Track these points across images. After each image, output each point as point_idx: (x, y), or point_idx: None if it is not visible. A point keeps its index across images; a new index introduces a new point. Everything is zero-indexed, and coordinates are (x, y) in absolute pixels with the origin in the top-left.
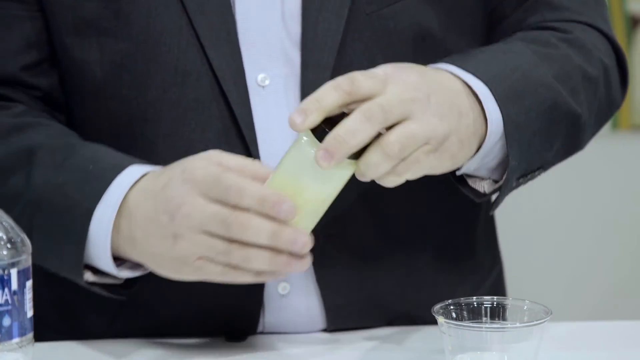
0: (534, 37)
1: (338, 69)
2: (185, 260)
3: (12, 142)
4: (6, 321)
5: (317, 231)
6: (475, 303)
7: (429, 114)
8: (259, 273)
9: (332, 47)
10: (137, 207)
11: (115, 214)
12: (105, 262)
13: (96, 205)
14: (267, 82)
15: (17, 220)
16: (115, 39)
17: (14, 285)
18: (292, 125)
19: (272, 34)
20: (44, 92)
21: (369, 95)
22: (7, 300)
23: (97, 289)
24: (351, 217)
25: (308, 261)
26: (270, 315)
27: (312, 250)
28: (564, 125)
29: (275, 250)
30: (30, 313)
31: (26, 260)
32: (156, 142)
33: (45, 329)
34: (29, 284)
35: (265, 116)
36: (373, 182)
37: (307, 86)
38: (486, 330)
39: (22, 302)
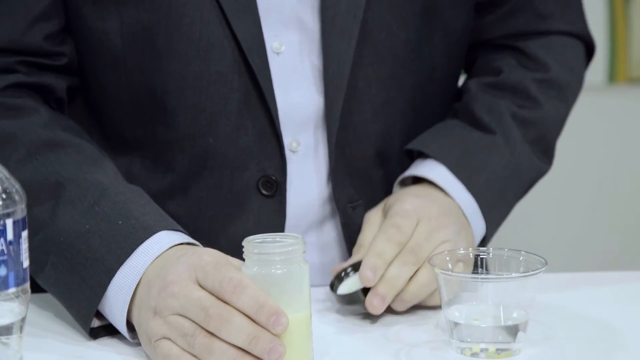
0: (516, 90)
1: (363, 38)
2: (152, 336)
3: (42, 164)
4: (2, 271)
5: (341, 205)
6: (471, 254)
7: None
8: None
9: (356, 15)
10: (149, 274)
11: (137, 282)
12: (119, 324)
13: (119, 268)
14: (282, 48)
15: (33, 248)
16: (136, 9)
17: (10, 235)
18: (365, 281)
19: (287, 1)
20: (69, 58)
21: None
22: (2, 251)
23: (101, 333)
24: (368, 197)
25: None
26: None
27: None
28: (532, 184)
29: (242, 351)
30: (26, 263)
31: (21, 210)
32: (177, 114)
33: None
34: (25, 234)
35: (282, 84)
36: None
37: (330, 54)
38: (482, 280)
39: (17, 253)
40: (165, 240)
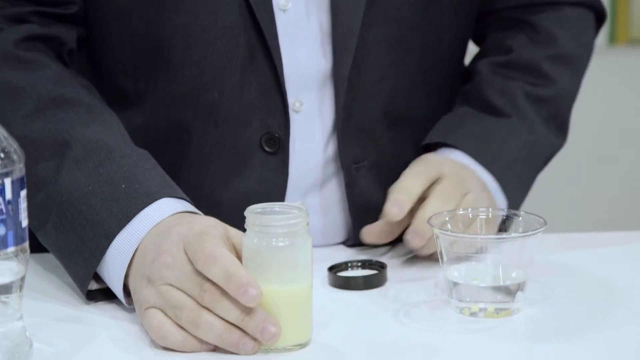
0: (528, 69)
1: None
2: (143, 303)
3: (49, 121)
4: (1, 230)
5: (346, 165)
6: (470, 214)
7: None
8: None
9: None
10: (147, 241)
11: (135, 248)
12: (116, 288)
13: (119, 231)
14: (289, 5)
15: (35, 206)
16: None
17: (8, 194)
18: (391, 215)
19: None
20: (79, 6)
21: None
22: (1, 210)
23: (98, 297)
24: (374, 158)
25: (257, 347)
26: None
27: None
28: (549, 161)
29: (230, 325)
30: (25, 222)
31: (20, 169)
32: (182, 67)
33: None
34: (23, 193)
35: (288, 41)
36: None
37: (339, 13)
38: (481, 240)
39: (16, 212)
40: (166, 208)
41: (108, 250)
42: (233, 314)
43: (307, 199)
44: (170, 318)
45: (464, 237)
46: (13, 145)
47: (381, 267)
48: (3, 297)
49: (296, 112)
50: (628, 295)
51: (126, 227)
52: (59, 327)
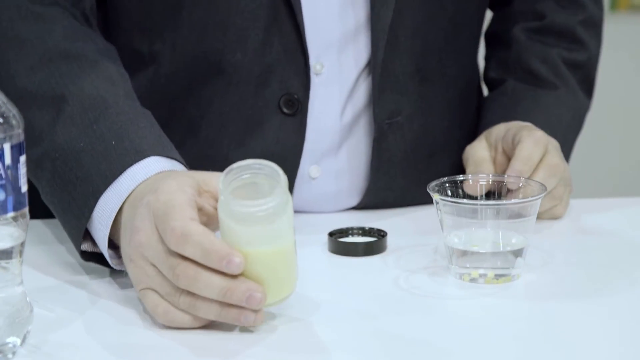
0: (562, 34)
1: None
2: (137, 283)
3: (51, 74)
4: (1, 195)
5: (379, 120)
6: (471, 180)
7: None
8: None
9: None
10: (130, 200)
11: (119, 206)
12: (102, 248)
13: (105, 189)
14: None
15: (32, 161)
16: None
17: (7, 159)
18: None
19: None
20: None
21: None
22: (0, 175)
23: (92, 261)
24: (408, 114)
25: (261, 316)
26: (298, 196)
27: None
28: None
29: (225, 303)
30: (24, 188)
31: (19, 135)
32: (205, 28)
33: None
34: (23, 159)
35: (311, 1)
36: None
37: None
38: (481, 206)
39: (16, 177)
40: (153, 166)
41: (95, 209)
42: (213, 292)
43: (322, 163)
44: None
45: (464, 203)
46: (12, 111)
47: (382, 234)
48: (3, 263)
49: (317, 74)
50: (628, 261)
51: (112, 185)
52: (60, 293)
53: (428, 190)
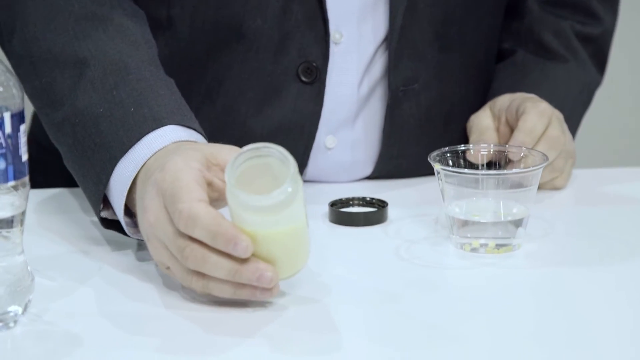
0: (577, 7)
1: None
2: (157, 261)
3: (75, 37)
4: (1, 164)
5: (394, 87)
6: (472, 150)
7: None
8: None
9: None
10: (146, 169)
11: (134, 175)
12: (119, 215)
13: (122, 157)
14: None
15: (54, 125)
16: None
17: (8, 128)
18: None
19: None
20: None
21: None
22: (1, 144)
23: (112, 229)
24: (424, 82)
25: (276, 290)
26: (314, 166)
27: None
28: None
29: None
30: (25, 157)
31: (19, 103)
32: None
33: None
34: (23, 127)
35: None
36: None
37: None
38: (482, 176)
39: (16, 146)
40: (170, 135)
41: (112, 176)
42: (222, 272)
43: (338, 134)
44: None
45: (465, 173)
46: (12, 79)
47: (382, 204)
48: (4, 232)
49: (336, 44)
50: (629, 232)
51: (128, 152)
52: (62, 263)
53: (429, 160)
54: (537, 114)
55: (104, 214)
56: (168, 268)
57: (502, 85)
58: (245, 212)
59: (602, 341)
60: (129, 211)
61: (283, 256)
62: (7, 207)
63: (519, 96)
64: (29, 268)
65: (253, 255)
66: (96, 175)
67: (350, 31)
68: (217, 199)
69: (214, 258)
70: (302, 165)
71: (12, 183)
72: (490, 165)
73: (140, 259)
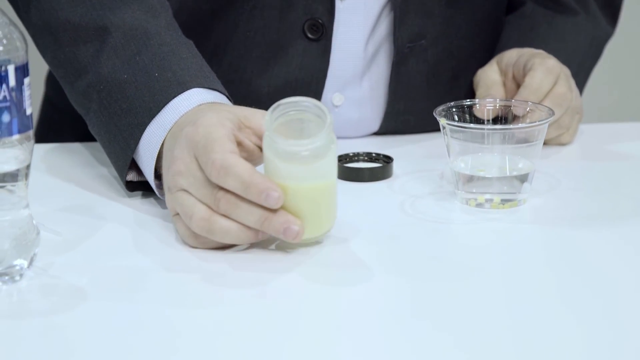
0: None
1: None
2: (171, 209)
3: (94, 6)
4: (5, 117)
5: (399, 44)
6: (477, 105)
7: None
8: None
9: None
10: (174, 132)
11: (163, 138)
12: (149, 179)
13: (150, 122)
14: None
15: (78, 93)
16: None
17: (12, 81)
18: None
19: None
20: None
21: None
22: (5, 97)
23: (137, 190)
24: (431, 38)
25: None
26: None
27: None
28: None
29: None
30: (29, 110)
31: (23, 56)
32: None
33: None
34: (27, 81)
35: None
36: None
37: None
38: (488, 131)
39: (20, 99)
40: (195, 98)
41: (141, 140)
42: (252, 219)
43: (345, 91)
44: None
45: (471, 128)
46: (15, 32)
47: (388, 159)
48: (9, 185)
49: (341, 0)
50: (635, 186)
51: (156, 117)
52: (67, 217)
53: (435, 115)
54: (544, 71)
55: (128, 177)
56: (176, 216)
57: (510, 39)
58: (279, 161)
59: (609, 294)
60: (155, 173)
61: (310, 214)
62: (12, 160)
63: (527, 51)
64: (34, 222)
65: (282, 208)
66: (124, 140)
67: None
68: (246, 159)
69: (246, 203)
70: None
71: (16, 136)
72: (495, 120)
73: (146, 213)
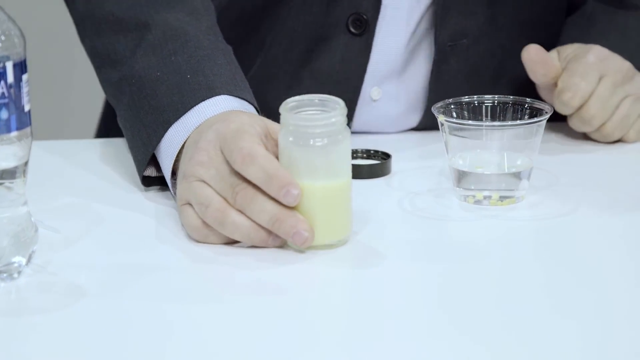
0: None
1: None
2: (180, 198)
3: (137, 2)
4: (3, 114)
5: (440, 42)
6: (476, 102)
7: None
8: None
9: None
10: (194, 135)
11: (185, 139)
12: (167, 177)
13: (175, 121)
14: None
15: (112, 84)
16: None
17: (10, 78)
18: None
19: None
20: None
21: None
22: (3, 94)
23: (153, 186)
24: (473, 37)
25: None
26: (360, 118)
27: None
28: None
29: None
30: (27, 107)
31: (21, 52)
32: None
33: None
34: (25, 77)
35: None
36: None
37: None
38: (486, 127)
39: (18, 96)
40: (223, 104)
41: (163, 138)
42: (264, 218)
43: (383, 86)
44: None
45: (469, 125)
46: (14, 28)
47: (386, 156)
48: (7, 182)
49: None
50: (634, 183)
51: (181, 118)
52: (65, 214)
53: (433, 111)
54: (581, 73)
55: (146, 172)
56: (185, 205)
57: (568, 37)
58: (294, 147)
59: (607, 292)
60: (172, 173)
61: (324, 218)
62: (10, 157)
63: (583, 47)
64: (32, 219)
65: (296, 210)
66: (147, 136)
67: None
68: None
69: (261, 200)
70: (349, 116)
71: (15, 133)
72: (494, 117)
73: (145, 211)
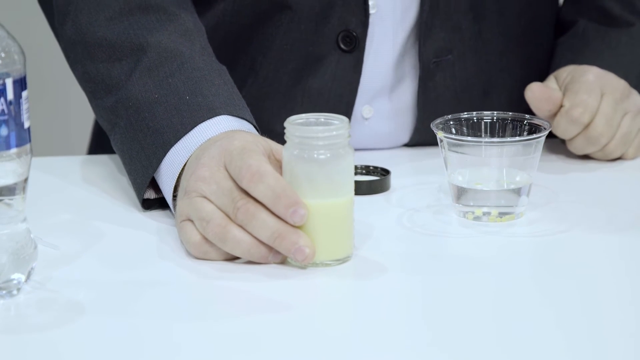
0: None
1: None
2: (180, 215)
3: (130, 26)
4: (3, 131)
5: (425, 58)
6: (475, 118)
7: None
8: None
9: None
10: (195, 155)
11: (186, 159)
12: (167, 198)
13: (175, 143)
14: None
15: (106, 109)
16: None
17: (10, 95)
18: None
19: None
20: None
21: None
22: (3, 110)
23: (155, 205)
24: (459, 52)
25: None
26: (352, 136)
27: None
28: None
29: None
30: (27, 124)
31: (21, 69)
32: None
33: None
34: (25, 94)
35: None
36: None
37: None
38: (485, 144)
39: (18, 113)
40: (223, 124)
41: (164, 160)
42: (265, 233)
43: (375, 103)
44: (197, 230)
45: (468, 141)
46: (14, 45)
47: (385, 172)
48: (6, 199)
49: (373, 12)
50: (633, 200)
51: (182, 139)
52: (64, 231)
53: (432, 127)
54: (588, 90)
55: (145, 195)
56: (185, 221)
57: (562, 59)
58: (297, 162)
59: (605, 308)
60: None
61: (325, 236)
62: (10, 174)
63: (578, 69)
64: (32, 236)
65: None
66: (146, 159)
67: (386, 0)
68: None
69: (263, 215)
70: None
71: (14, 150)
72: (493, 133)
73: (144, 228)
